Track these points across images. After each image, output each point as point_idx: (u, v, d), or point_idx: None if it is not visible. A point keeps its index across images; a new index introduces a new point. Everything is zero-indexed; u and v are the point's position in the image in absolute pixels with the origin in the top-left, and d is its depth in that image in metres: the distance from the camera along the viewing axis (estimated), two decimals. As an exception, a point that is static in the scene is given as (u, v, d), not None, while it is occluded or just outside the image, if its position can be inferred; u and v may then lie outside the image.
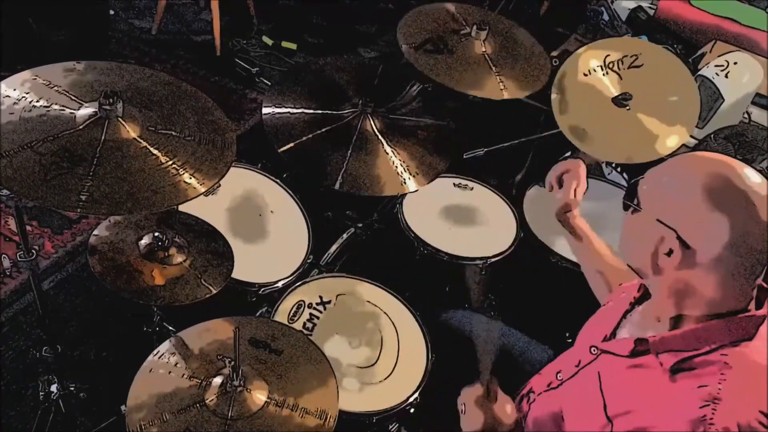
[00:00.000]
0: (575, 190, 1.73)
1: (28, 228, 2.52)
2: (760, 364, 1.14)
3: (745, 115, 2.98)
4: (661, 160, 2.26)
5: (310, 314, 1.84)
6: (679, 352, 1.17)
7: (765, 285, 1.21)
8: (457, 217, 2.22)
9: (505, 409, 1.35)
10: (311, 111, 1.94)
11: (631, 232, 1.27)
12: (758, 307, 1.18)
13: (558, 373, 1.41)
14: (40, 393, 1.91)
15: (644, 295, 1.34)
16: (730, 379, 1.12)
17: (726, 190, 1.12)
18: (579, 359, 1.37)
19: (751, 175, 1.14)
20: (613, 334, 1.35)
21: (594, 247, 1.69)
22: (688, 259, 1.15)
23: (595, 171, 2.79)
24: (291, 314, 1.83)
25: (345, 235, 2.24)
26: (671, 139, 2.17)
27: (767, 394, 1.11)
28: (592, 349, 1.33)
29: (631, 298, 1.37)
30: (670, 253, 1.16)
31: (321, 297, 1.88)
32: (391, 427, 1.74)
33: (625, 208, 1.28)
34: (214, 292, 1.68)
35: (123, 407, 1.41)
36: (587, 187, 2.38)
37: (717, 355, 1.14)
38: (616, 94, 2.20)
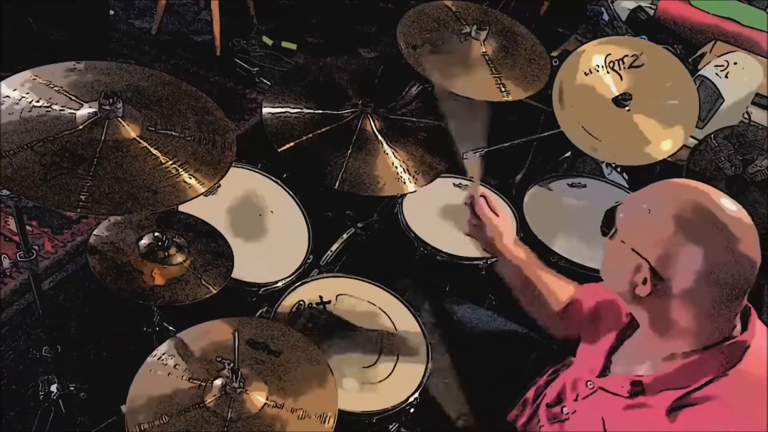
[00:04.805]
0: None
1: (28, 228, 2.52)
2: (754, 386, 1.13)
3: (745, 115, 2.98)
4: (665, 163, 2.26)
5: (310, 314, 1.84)
6: (674, 390, 1.16)
7: (748, 305, 1.20)
8: (457, 217, 2.20)
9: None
10: (311, 111, 1.94)
11: (610, 258, 1.26)
12: (744, 329, 1.18)
13: (563, 407, 1.41)
14: (40, 393, 1.91)
15: (633, 323, 1.33)
16: (728, 412, 1.11)
17: (700, 221, 1.11)
18: (577, 393, 1.37)
19: (727, 205, 1.13)
20: (607, 367, 1.34)
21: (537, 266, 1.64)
22: (662, 289, 1.14)
23: (594, 171, 2.79)
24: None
25: (345, 235, 2.24)
26: (668, 143, 2.18)
27: (761, 420, 1.10)
28: (588, 383, 1.33)
29: (620, 327, 1.36)
30: (645, 281, 1.15)
31: (321, 297, 1.88)
32: (391, 427, 1.74)
33: (603, 233, 1.26)
34: (214, 292, 1.68)
35: (123, 407, 1.41)
36: (585, 186, 2.39)
37: (712, 387, 1.14)
38: (617, 94, 2.20)
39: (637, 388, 1.21)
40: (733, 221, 1.11)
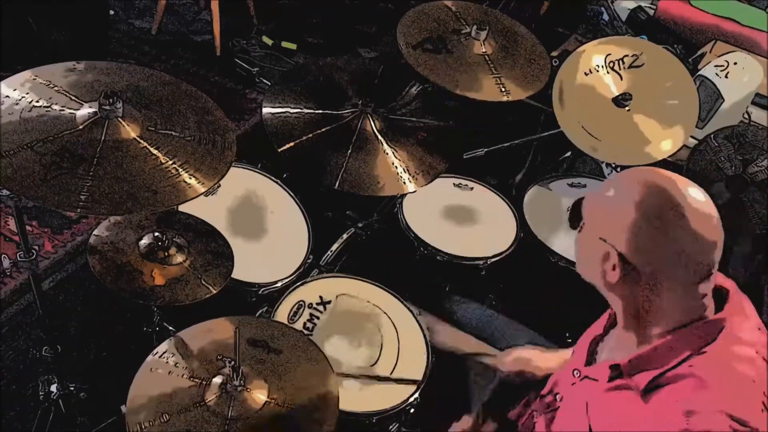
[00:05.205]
0: None
1: (28, 228, 2.52)
2: (729, 365, 1.14)
3: (745, 115, 2.98)
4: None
5: (310, 314, 1.84)
6: (650, 371, 1.17)
7: (723, 285, 1.22)
8: (457, 217, 2.22)
9: None
10: (311, 111, 1.94)
11: (581, 250, 1.28)
12: (718, 309, 1.19)
13: (557, 394, 1.42)
14: (40, 393, 1.91)
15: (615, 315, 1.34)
16: (701, 389, 1.11)
17: (659, 204, 1.13)
18: (567, 383, 1.38)
19: (689, 190, 1.15)
20: (593, 357, 1.35)
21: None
22: (631, 275, 1.16)
23: (594, 171, 2.79)
24: (291, 314, 1.83)
25: (345, 235, 2.24)
26: (668, 143, 2.18)
27: (736, 396, 1.11)
28: (575, 372, 1.35)
29: (605, 321, 1.37)
30: (614, 268, 1.17)
31: (321, 297, 1.88)
32: (391, 427, 1.74)
33: (572, 227, 1.29)
34: (214, 292, 1.68)
35: (123, 407, 1.41)
36: (585, 186, 2.39)
37: (685, 367, 1.15)
38: (617, 94, 2.20)
39: (615, 372, 1.22)
40: (689, 202, 1.13)
